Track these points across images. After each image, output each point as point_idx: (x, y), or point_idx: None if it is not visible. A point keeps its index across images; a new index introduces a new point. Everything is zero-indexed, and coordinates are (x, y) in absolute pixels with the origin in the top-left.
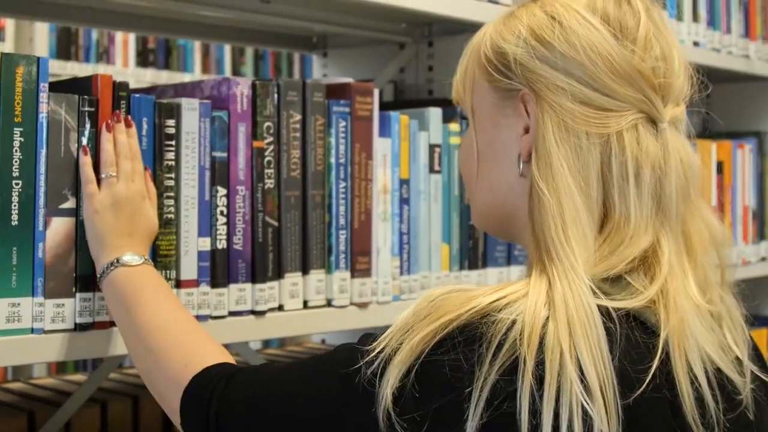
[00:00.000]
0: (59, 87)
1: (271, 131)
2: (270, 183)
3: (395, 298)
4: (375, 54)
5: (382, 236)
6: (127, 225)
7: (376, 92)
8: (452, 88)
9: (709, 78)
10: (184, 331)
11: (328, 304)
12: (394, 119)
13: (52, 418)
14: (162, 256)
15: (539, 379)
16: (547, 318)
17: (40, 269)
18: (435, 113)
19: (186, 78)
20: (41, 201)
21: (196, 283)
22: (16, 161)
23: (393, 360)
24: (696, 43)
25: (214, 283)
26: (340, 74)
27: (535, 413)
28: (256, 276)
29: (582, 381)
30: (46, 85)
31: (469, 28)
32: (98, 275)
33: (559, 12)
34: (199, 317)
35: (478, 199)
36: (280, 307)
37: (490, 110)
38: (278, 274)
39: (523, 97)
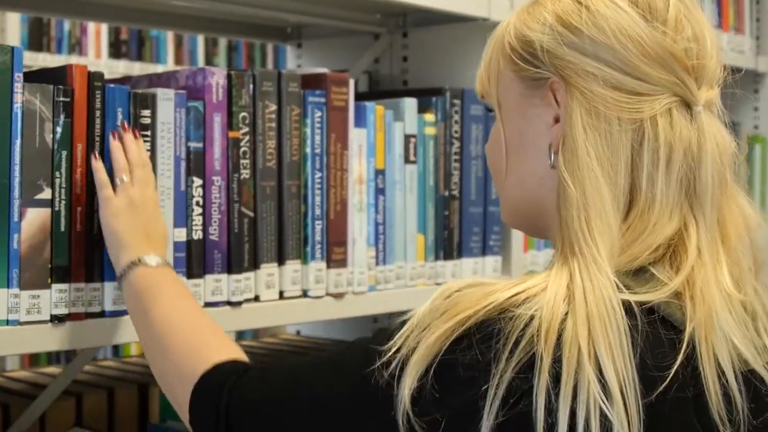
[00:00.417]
0: (33, 77)
1: (247, 121)
2: (246, 173)
3: (371, 288)
4: (349, 45)
5: (358, 226)
6: (144, 227)
7: (352, 82)
8: (476, 82)
9: None
10: (197, 329)
11: (304, 294)
12: (370, 110)
13: (26, 411)
14: None
15: (556, 377)
16: (566, 314)
17: (15, 260)
18: (410, 104)
19: (159, 69)
20: (16, 192)
21: None
22: None
23: (410, 360)
24: None
25: (190, 274)
26: (315, 65)
27: (551, 412)
28: (231, 267)
29: (600, 380)
30: (21, 75)
31: (444, 18)
32: (117, 275)
33: None
34: None
35: (507, 194)
36: (256, 298)
37: (518, 101)
38: (254, 265)
39: (552, 86)
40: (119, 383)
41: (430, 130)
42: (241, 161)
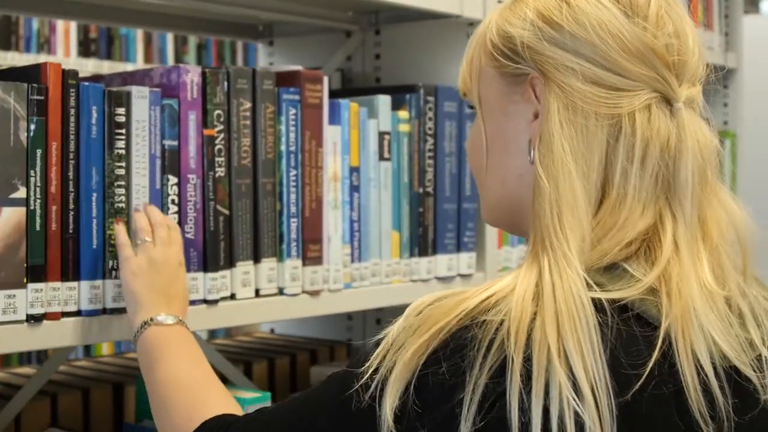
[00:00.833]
0: (7, 75)
1: (222, 119)
2: (221, 171)
3: (347, 285)
4: (322, 42)
5: (333, 224)
6: (164, 287)
7: (326, 80)
8: (459, 80)
9: None
10: (196, 387)
11: (280, 292)
12: (344, 107)
13: (1, 412)
14: (113, 246)
15: (527, 376)
16: (536, 312)
17: None
18: (384, 101)
19: (129, 68)
20: None
21: None
22: None
23: (389, 379)
24: None
25: None
26: (287, 63)
27: (525, 412)
28: (207, 265)
29: (571, 377)
30: None
31: (416, 15)
32: (133, 335)
33: None
34: None
35: (488, 192)
36: (232, 296)
37: (498, 98)
38: (230, 263)
39: (531, 81)
40: (94, 383)
41: (404, 128)
42: (216, 159)
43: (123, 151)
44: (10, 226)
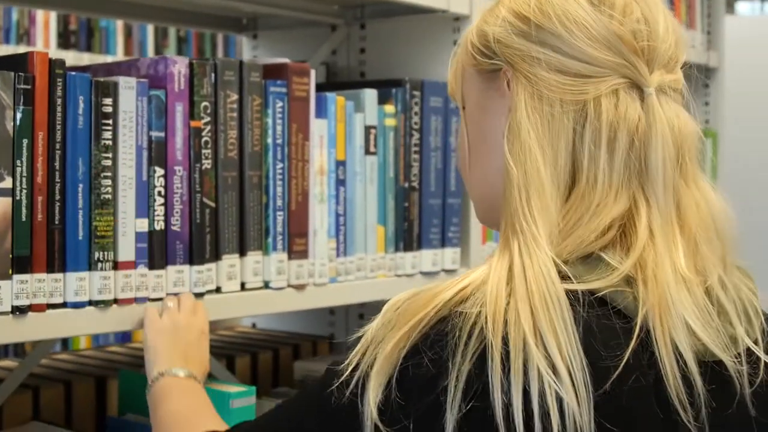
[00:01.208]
0: None
1: (209, 111)
2: (207, 163)
3: (332, 280)
4: (306, 36)
5: (319, 218)
6: (184, 350)
7: (313, 73)
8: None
9: None
10: (192, 416)
11: (266, 286)
12: (331, 100)
13: None
14: (99, 238)
15: (506, 357)
16: (510, 295)
17: None
18: (370, 95)
19: (108, 60)
20: None
21: (133, 265)
22: None
23: (370, 374)
24: None
25: (152, 265)
26: (271, 56)
27: (506, 393)
28: (193, 258)
29: (547, 356)
30: None
31: (402, 10)
32: (147, 390)
33: None
34: (137, 300)
35: (473, 190)
36: (218, 289)
37: (478, 96)
38: (216, 256)
39: (504, 75)
40: (76, 376)
41: (390, 122)
42: (203, 151)
43: (110, 142)
44: None
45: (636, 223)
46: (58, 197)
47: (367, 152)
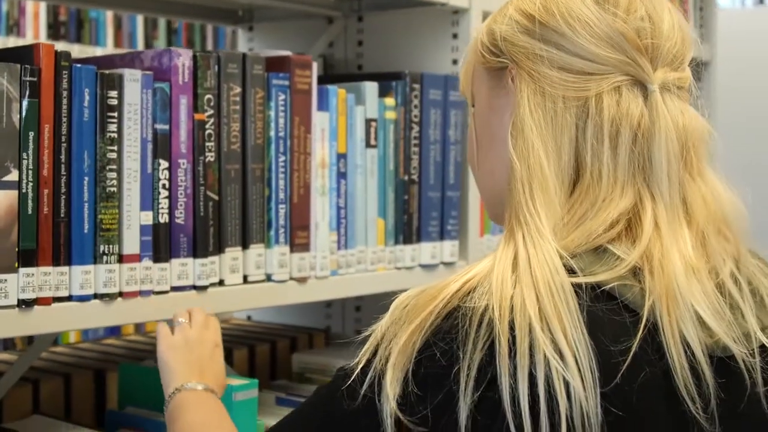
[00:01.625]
0: None
1: (212, 104)
2: (211, 156)
3: (333, 272)
4: (303, 28)
5: (321, 211)
6: (199, 364)
7: (315, 66)
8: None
9: None
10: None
11: (268, 278)
12: (332, 93)
13: None
14: (104, 231)
15: (513, 342)
16: (515, 283)
17: None
18: (371, 87)
19: (98, 51)
20: None
21: (138, 258)
22: None
23: (386, 370)
24: None
25: (157, 258)
26: (267, 49)
27: (513, 376)
28: (197, 251)
29: (553, 341)
30: None
31: (400, 3)
32: (165, 406)
33: None
34: (141, 293)
35: (482, 186)
36: (221, 282)
37: (487, 94)
38: (219, 249)
39: (510, 73)
40: (75, 369)
41: (391, 115)
42: (206, 144)
43: (115, 135)
44: (2, 210)
45: (642, 218)
46: (63, 190)
47: (368, 145)
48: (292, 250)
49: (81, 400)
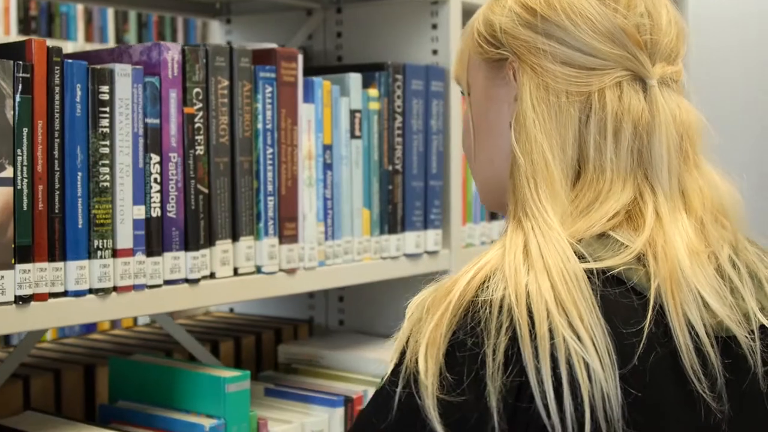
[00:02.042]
0: None
1: (201, 97)
2: (200, 149)
3: (321, 263)
4: (281, 21)
5: (308, 202)
6: None
7: (300, 58)
8: (453, 67)
9: None
10: None
11: (258, 270)
12: (318, 85)
13: None
14: (98, 225)
15: (532, 324)
16: (529, 270)
17: None
18: (355, 79)
19: (69, 46)
20: None
21: (131, 252)
22: None
23: (418, 365)
24: None
25: (150, 252)
26: (245, 41)
27: (536, 358)
28: (189, 244)
29: (570, 324)
30: None
31: None
32: None
33: None
34: (135, 287)
35: (478, 175)
36: (212, 275)
37: (484, 84)
38: (209, 242)
39: (510, 65)
40: (64, 365)
41: (374, 105)
42: (196, 137)
43: (107, 130)
44: None
45: (642, 209)
46: (57, 186)
47: (353, 136)
48: (281, 242)
49: (72, 395)
